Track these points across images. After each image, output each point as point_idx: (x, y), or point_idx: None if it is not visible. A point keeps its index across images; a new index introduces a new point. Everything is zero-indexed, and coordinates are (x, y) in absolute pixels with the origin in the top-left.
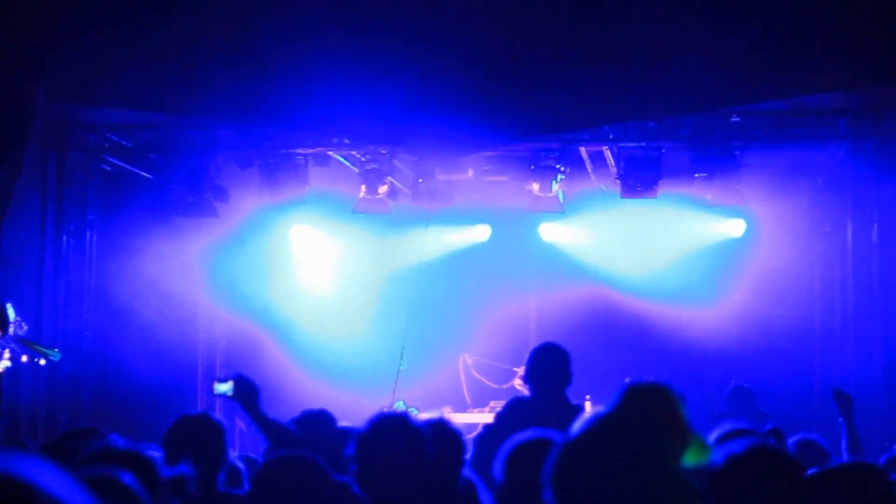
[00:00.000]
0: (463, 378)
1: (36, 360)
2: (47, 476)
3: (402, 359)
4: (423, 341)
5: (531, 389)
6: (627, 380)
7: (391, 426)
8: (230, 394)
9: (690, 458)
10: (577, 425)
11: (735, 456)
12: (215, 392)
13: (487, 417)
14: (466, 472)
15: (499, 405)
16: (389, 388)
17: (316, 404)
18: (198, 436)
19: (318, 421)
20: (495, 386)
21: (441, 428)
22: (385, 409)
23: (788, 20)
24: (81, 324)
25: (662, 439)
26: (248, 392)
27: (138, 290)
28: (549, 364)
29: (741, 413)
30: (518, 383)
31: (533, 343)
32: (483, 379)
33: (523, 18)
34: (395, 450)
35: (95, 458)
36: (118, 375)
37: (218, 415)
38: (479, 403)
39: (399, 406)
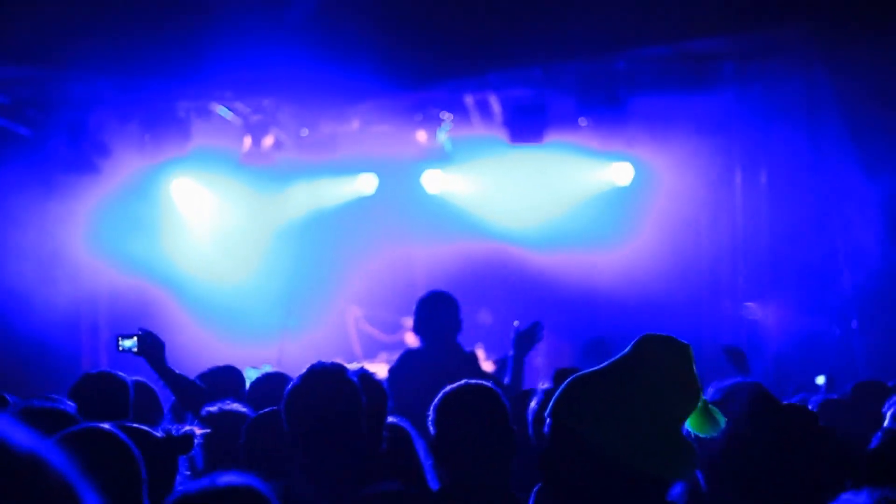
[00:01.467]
0: (352, 330)
1: None
2: (21, 434)
3: (288, 315)
4: (311, 295)
5: (422, 340)
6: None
7: (324, 377)
8: (135, 349)
9: (694, 424)
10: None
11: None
12: (119, 348)
13: (379, 369)
14: (398, 420)
15: (390, 357)
16: (277, 344)
17: (206, 357)
18: (104, 394)
19: (225, 376)
20: (385, 337)
21: (365, 378)
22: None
23: None
24: None
25: (673, 394)
26: (153, 347)
27: (18, 249)
28: (438, 312)
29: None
30: (410, 337)
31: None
32: (373, 330)
33: None
34: (330, 401)
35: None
36: (2, 333)
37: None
38: (369, 355)
39: (266, 368)
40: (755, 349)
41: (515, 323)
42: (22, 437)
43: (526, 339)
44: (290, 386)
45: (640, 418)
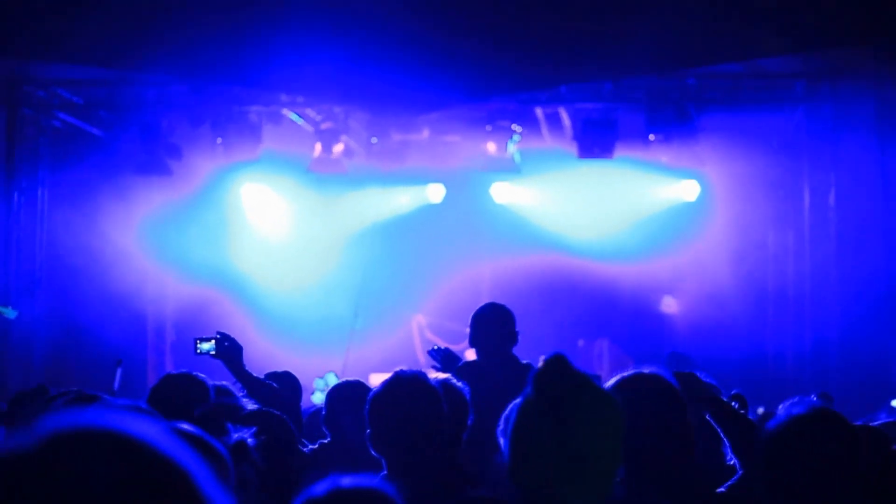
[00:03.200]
0: (417, 339)
1: None
2: (145, 428)
3: (356, 318)
4: (377, 302)
5: (478, 353)
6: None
7: (408, 385)
8: (213, 352)
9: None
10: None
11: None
12: (198, 351)
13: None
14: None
15: None
16: (343, 348)
17: (269, 364)
18: (185, 395)
19: (283, 382)
20: (450, 347)
21: (448, 388)
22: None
23: None
24: (33, 281)
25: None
26: (230, 350)
27: (89, 248)
28: (493, 325)
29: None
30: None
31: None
32: (437, 340)
33: None
34: (412, 409)
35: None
36: (70, 333)
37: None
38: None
39: (331, 379)
40: (821, 364)
41: (580, 342)
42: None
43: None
44: (373, 392)
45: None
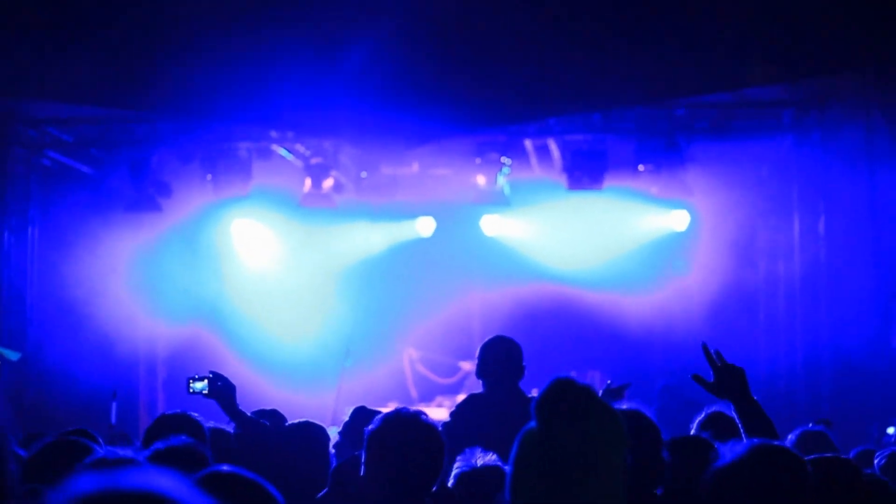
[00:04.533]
0: (408, 373)
1: None
2: (186, 492)
3: (346, 357)
4: (368, 336)
5: (484, 384)
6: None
7: (407, 424)
8: (206, 392)
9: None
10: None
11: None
12: (190, 390)
13: (435, 412)
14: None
15: (445, 400)
16: (333, 385)
17: (259, 401)
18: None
19: (270, 420)
20: (441, 380)
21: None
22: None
23: (731, 13)
24: (24, 321)
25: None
26: (224, 389)
27: (80, 286)
28: (501, 357)
29: (671, 407)
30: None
31: (477, 338)
32: (428, 373)
33: (469, 12)
34: (412, 448)
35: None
36: (61, 373)
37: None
38: (426, 398)
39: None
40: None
41: (608, 382)
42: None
43: (611, 397)
44: (372, 428)
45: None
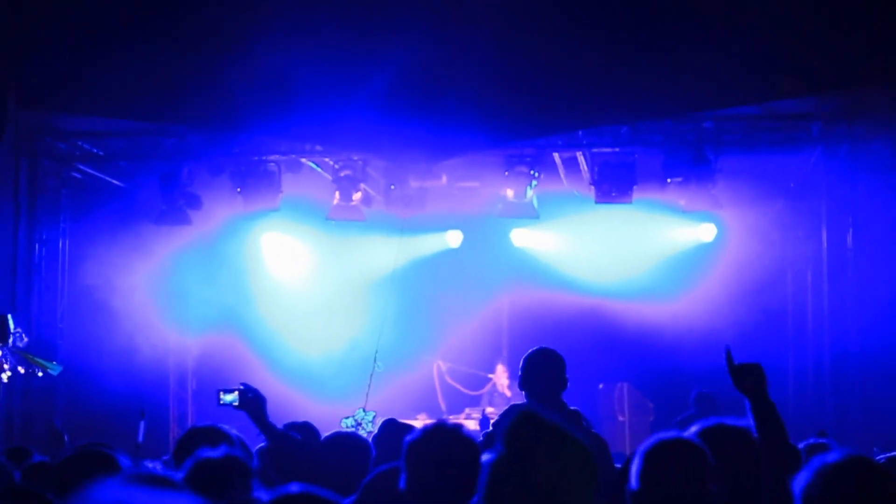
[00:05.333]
0: (437, 384)
1: (33, 371)
2: None
3: (376, 362)
4: (397, 347)
5: (527, 395)
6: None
7: (448, 437)
8: (236, 403)
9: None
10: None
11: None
12: (220, 402)
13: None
14: None
15: (474, 412)
16: (362, 394)
17: (289, 410)
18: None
19: (303, 432)
20: (470, 392)
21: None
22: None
23: (759, 27)
24: (55, 333)
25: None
26: (254, 402)
27: (111, 298)
28: (544, 369)
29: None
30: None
31: (506, 350)
32: (457, 385)
33: (498, 28)
34: (452, 460)
35: None
36: (91, 385)
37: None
38: (454, 410)
39: (360, 415)
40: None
41: (600, 386)
42: None
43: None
44: (411, 438)
45: None
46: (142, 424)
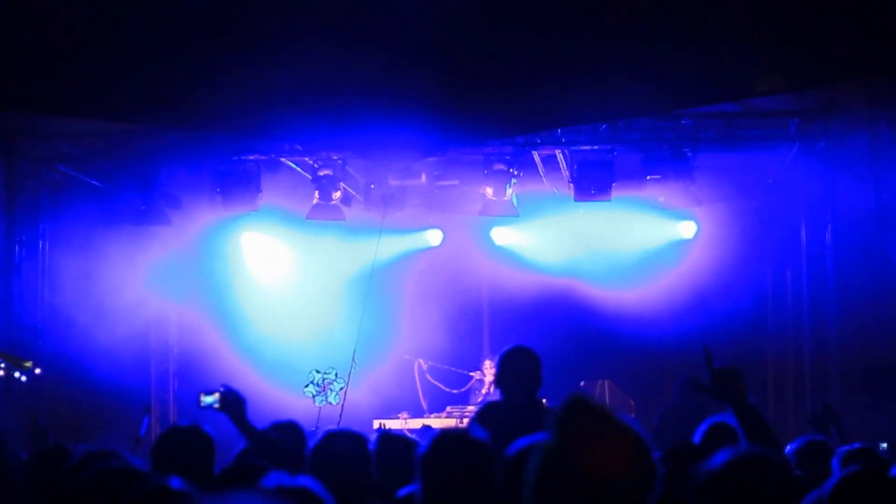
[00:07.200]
0: (419, 383)
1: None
2: None
3: (354, 361)
4: (377, 346)
5: (502, 393)
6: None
7: (458, 443)
8: (217, 405)
9: None
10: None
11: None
12: (201, 404)
13: (447, 423)
14: None
15: (456, 410)
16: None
17: (270, 409)
18: (189, 448)
19: (288, 433)
20: (451, 391)
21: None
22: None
23: (737, 24)
24: (36, 333)
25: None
26: (234, 404)
27: (92, 298)
28: (520, 367)
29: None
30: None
31: (487, 348)
32: (438, 384)
33: (475, 24)
34: (467, 465)
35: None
36: (73, 385)
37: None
38: (436, 409)
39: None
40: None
41: (581, 384)
42: None
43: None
44: (423, 451)
45: None
46: (146, 418)
